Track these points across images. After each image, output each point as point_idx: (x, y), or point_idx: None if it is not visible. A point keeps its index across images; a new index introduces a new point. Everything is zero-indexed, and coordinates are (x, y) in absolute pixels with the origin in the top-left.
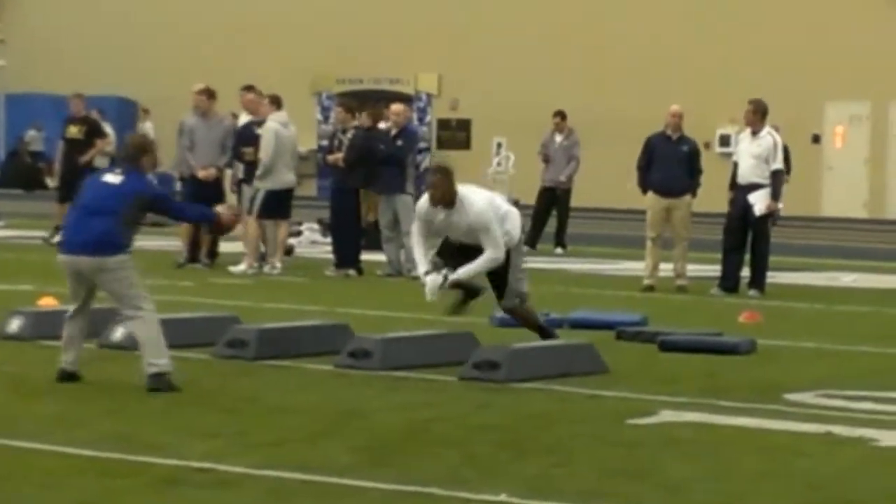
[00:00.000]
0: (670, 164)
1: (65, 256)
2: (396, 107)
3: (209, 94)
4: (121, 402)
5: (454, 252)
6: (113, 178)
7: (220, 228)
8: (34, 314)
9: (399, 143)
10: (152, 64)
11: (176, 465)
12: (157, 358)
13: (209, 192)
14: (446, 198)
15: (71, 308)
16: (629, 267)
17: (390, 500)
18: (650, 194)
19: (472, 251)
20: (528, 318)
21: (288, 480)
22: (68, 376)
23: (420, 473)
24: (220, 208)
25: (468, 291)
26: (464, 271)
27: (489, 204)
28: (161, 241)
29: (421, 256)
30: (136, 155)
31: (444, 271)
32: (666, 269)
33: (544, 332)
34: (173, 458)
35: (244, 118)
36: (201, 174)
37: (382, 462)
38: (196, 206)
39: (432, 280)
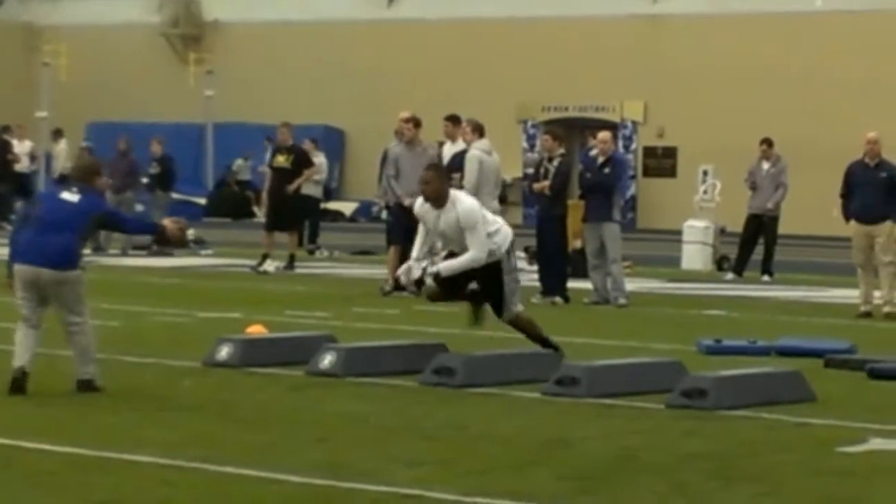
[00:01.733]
0: (869, 191)
1: (25, 267)
2: (603, 134)
3: (415, 122)
4: (328, 430)
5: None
6: (70, 196)
7: (167, 240)
8: (242, 342)
9: (606, 170)
10: (357, 93)
11: (384, 491)
12: (88, 366)
13: (415, 219)
14: (437, 193)
15: (25, 313)
16: (837, 294)
17: None
18: (852, 222)
19: (473, 276)
20: (530, 329)
21: None
22: (22, 378)
23: (628, 501)
24: (165, 221)
25: (469, 297)
26: (444, 266)
27: (479, 207)
28: (367, 270)
29: (417, 247)
30: (87, 177)
31: (423, 264)
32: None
33: (546, 343)
34: (382, 485)
35: (448, 147)
36: (407, 202)
37: (590, 490)
38: (141, 220)
39: (408, 267)
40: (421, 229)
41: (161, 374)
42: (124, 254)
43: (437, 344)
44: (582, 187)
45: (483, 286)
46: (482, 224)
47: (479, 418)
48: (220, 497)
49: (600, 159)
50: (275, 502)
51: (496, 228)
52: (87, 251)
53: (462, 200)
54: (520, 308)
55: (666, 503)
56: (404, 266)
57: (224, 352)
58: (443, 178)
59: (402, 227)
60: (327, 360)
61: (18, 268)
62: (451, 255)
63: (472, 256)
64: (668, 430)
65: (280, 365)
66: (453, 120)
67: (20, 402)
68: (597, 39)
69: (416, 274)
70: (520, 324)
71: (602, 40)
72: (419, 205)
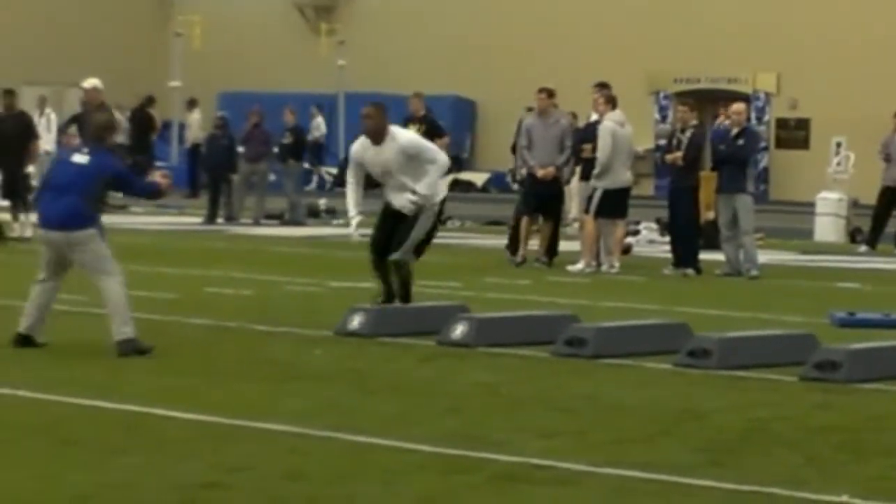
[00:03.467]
0: None
1: (42, 232)
2: (737, 106)
3: (549, 93)
4: (460, 400)
5: (389, 227)
6: (80, 159)
7: (160, 194)
8: (374, 311)
9: (740, 142)
10: (488, 63)
11: (516, 461)
12: (124, 325)
13: (548, 190)
14: (377, 128)
15: (41, 275)
16: None
17: (732, 500)
18: None
19: (406, 225)
20: (407, 282)
21: (628, 478)
22: (24, 340)
23: (760, 473)
24: (157, 175)
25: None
26: (423, 185)
27: (420, 139)
28: (498, 240)
29: (352, 201)
30: (101, 134)
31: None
32: None
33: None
34: (513, 455)
35: (593, 116)
36: (540, 173)
37: (722, 462)
38: (147, 180)
39: (356, 220)
40: (351, 183)
41: (293, 344)
42: (256, 223)
43: (568, 315)
44: (715, 159)
45: (403, 225)
46: (425, 149)
47: (611, 389)
48: (351, 466)
49: (734, 130)
50: (406, 471)
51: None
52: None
53: (402, 133)
54: (411, 259)
55: (797, 475)
56: (353, 225)
57: (356, 321)
58: (382, 115)
59: (533, 197)
60: (459, 331)
61: (38, 233)
62: (385, 206)
63: (438, 166)
64: (800, 403)
65: (411, 335)
66: (548, 92)
67: (151, 369)
68: (729, 10)
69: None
70: (404, 271)
71: (734, 11)
72: (358, 144)
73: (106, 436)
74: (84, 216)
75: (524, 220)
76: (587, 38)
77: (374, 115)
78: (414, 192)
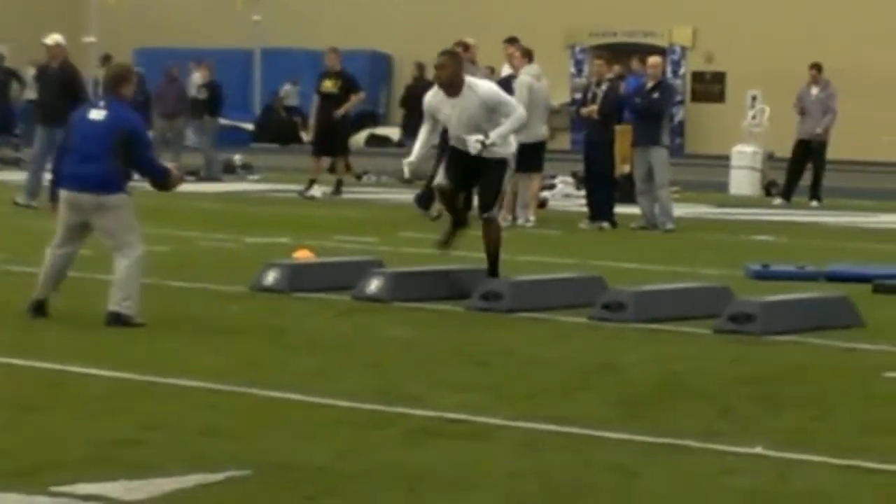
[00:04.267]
0: None
1: (67, 193)
2: (653, 59)
3: (464, 46)
4: (378, 356)
5: (460, 172)
6: (97, 115)
7: (168, 186)
8: (290, 266)
9: (655, 95)
10: (405, 18)
11: (431, 416)
12: (127, 300)
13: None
14: (453, 79)
15: (58, 239)
16: (886, 220)
17: (645, 453)
18: None
19: (477, 173)
20: (495, 243)
21: (542, 432)
22: (39, 306)
23: (675, 426)
24: (170, 166)
25: (457, 220)
26: (496, 133)
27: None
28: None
29: (418, 147)
30: (116, 84)
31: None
32: None
33: (494, 266)
34: (429, 410)
35: (506, 71)
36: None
37: (637, 415)
38: (155, 161)
39: (409, 168)
40: (425, 128)
41: (208, 300)
42: None
43: (484, 269)
44: (631, 112)
45: (481, 181)
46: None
47: (526, 343)
48: (267, 421)
49: (650, 84)
50: (322, 426)
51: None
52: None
53: (479, 83)
54: (500, 216)
55: (713, 428)
56: (409, 160)
57: (271, 277)
58: (459, 64)
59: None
60: (374, 285)
61: (63, 194)
62: (454, 150)
63: (516, 117)
64: (716, 355)
65: (327, 290)
66: (512, 42)
67: (67, 327)
68: None
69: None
70: (492, 230)
71: None
72: (432, 95)
73: (21, 393)
74: (116, 179)
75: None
76: None
77: (448, 65)
78: (485, 134)
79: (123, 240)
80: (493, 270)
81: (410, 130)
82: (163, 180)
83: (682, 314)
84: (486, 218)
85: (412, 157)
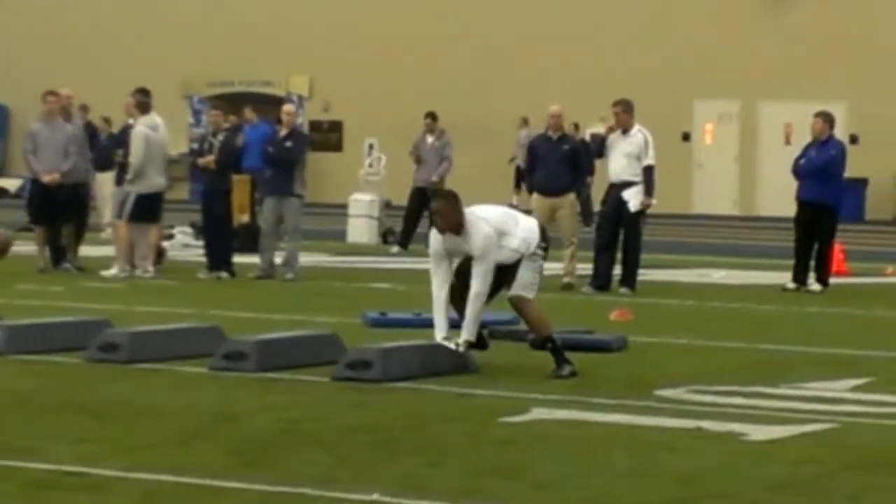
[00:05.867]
0: (552, 163)
1: None
2: (288, 107)
3: (55, 95)
4: None
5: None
6: None
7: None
8: None
9: (288, 143)
10: (21, 68)
11: (47, 469)
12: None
13: (56, 195)
14: (451, 226)
15: None
16: None
17: (262, 501)
18: (535, 195)
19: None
20: (536, 322)
21: (161, 483)
22: None
23: (292, 474)
24: None
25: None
26: (467, 326)
27: (494, 232)
28: (32, 246)
29: (441, 317)
30: None
31: (456, 340)
32: (550, 267)
33: (544, 346)
34: (44, 463)
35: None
36: (46, 178)
37: (255, 463)
38: None
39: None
40: (437, 289)
41: None
42: None
43: (102, 320)
44: (264, 161)
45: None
46: (495, 251)
47: (145, 394)
48: None
49: (283, 132)
50: None
51: (522, 237)
52: None
53: (476, 231)
54: (531, 296)
55: (329, 475)
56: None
57: None
58: (454, 208)
59: (39, 204)
60: None
61: None
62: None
63: (475, 292)
64: (333, 403)
65: None
66: (144, 93)
67: None
68: (260, 13)
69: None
70: (526, 311)
71: (265, 14)
72: (433, 238)
73: None
74: None
75: (38, 229)
76: (122, 41)
77: (444, 212)
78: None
79: None
80: (543, 347)
81: None
82: None
83: (302, 362)
84: (512, 301)
85: (441, 337)
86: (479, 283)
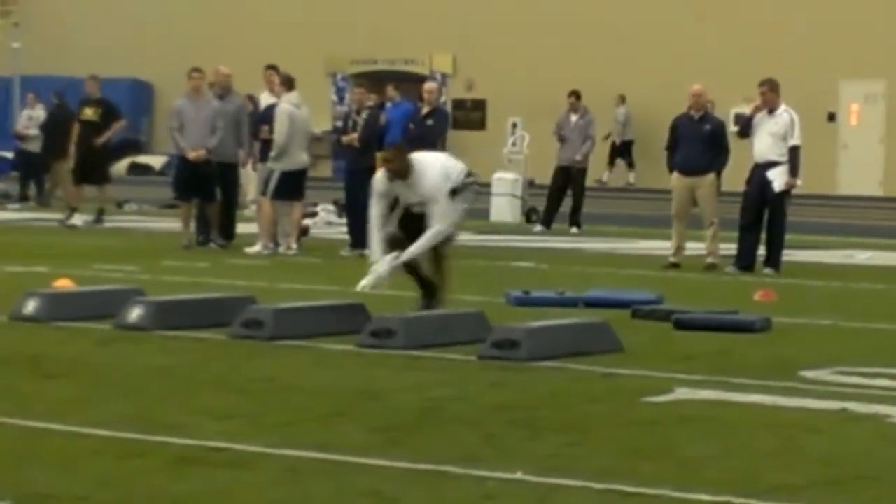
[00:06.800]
0: (694, 143)
1: None
2: (429, 85)
3: (199, 72)
4: (136, 384)
5: (413, 224)
6: None
7: None
8: (50, 296)
9: (430, 122)
10: (166, 45)
11: (192, 444)
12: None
13: (200, 171)
14: (401, 171)
15: None
16: (645, 246)
17: (405, 479)
18: (675, 174)
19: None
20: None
21: (303, 459)
22: None
23: (435, 452)
24: None
25: (424, 288)
26: (412, 250)
27: (442, 177)
28: (176, 223)
29: (377, 243)
30: None
31: (393, 254)
32: (693, 247)
33: (429, 289)
34: (189, 439)
35: (266, 97)
36: (191, 155)
37: (398, 441)
38: None
39: (376, 272)
40: (376, 220)
41: None
42: None
43: (246, 297)
44: (405, 139)
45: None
46: (446, 198)
47: (288, 371)
48: (26, 451)
49: (425, 110)
50: (82, 456)
51: (457, 172)
52: None
53: (425, 174)
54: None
55: (472, 453)
56: (369, 277)
57: (31, 306)
58: (403, 156)
59: (184, 180)
60: (135, 314)
61: None
62: (406, 216)
63: (435, 231)
64: (478, 382)
65: (88, 319)
66: (274, 69)
67: None
68: None
69: (384, 272)
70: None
71: None
72: (383, 181)
73: None
74: None
75: (183, 205)
76: (265, 19)
77: (395, 159)
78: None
79: None
80: (428, 291)
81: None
82: None
83: (451, 340)
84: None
85: (375, 259)
86: (439, 223)
